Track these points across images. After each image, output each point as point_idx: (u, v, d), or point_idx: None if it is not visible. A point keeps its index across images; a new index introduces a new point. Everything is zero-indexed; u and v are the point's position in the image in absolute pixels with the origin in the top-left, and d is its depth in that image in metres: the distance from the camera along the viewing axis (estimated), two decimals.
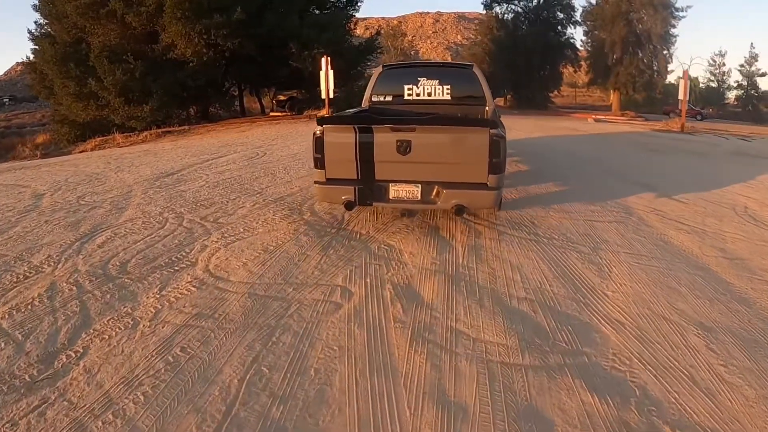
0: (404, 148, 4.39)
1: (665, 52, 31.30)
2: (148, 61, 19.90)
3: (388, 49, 62.67)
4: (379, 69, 6.73)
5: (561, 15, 34.96)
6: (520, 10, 35.38)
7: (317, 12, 22.05)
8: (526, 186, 6.96)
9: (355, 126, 4.55)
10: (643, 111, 38.25)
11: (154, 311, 3.40)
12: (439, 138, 4.43)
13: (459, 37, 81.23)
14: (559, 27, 35.17)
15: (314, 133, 4.66)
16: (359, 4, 23.77)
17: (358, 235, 4.90)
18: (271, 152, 10.42)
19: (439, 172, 4.48)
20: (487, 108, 6.24)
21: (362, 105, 6.68)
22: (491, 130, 4.34)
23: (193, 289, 3.74)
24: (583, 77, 43.29)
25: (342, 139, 4.56)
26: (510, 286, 3.70)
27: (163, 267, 4.16)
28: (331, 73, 16.17)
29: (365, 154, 4.50)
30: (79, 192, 7.17)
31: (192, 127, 19.07)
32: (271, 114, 23.21)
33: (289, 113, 21.82)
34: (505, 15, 36.00)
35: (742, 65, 51.47)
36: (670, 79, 39.66)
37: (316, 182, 4.88)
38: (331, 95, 16.40)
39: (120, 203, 6.37)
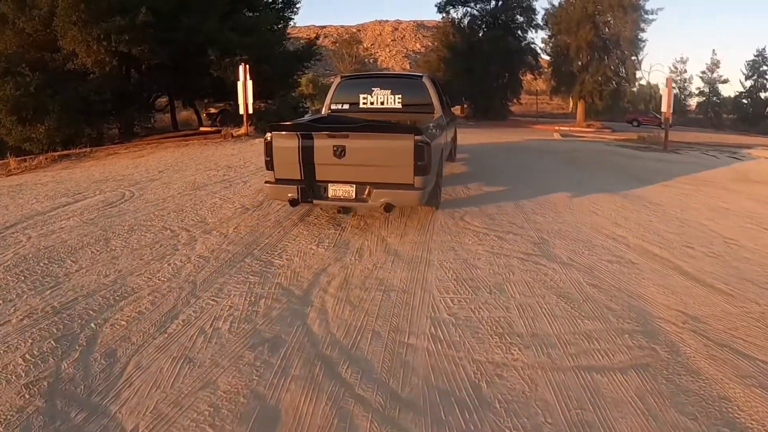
0: (339, 152, 4.80)
1: (633, 57, 29.16)
2: (48, 73, 16.85)
3: (343, 57, 60.68)
4: (338, 79, 7.27)
5: (521, 18, 32.73)
6: (476, 13, 33.04)
7: (249, 14, 19.19)
8: (468, 256, 4.34)
9: (298, 132, 4.97)
10: (603, 119, 36.62)
11: None
12: (369, 143, 4.81)
13: (418, 45, 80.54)
14: (519, 31, 32.99)
15: (265, 138, 5.11)
16: (297, 6, 21.08)
17: None
18: (142, 194, 7.70)
19: (370, 174, 4.84)
20: (434, 115, 6.55)
21: (322, 112, 7.16)
22: (416, 137, 4.68)
23: None
24: (542, 84, 41.37)
25: (287, 144, 5.00)
26: None
27: None
28: (249, 83, 13.42)
29: (307, 157, 4.92)
30: None
31: (95, 149, 15.96)
32: (201, 129, 20.49)
33: (219, 127, 19.12)
34: (462, 20, 33.70)
35: (703, 72, 51.10)
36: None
37: (266, 182, 5.25)
38: (250, 110, 13.64)
39: None
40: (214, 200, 6.92)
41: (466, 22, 33.51)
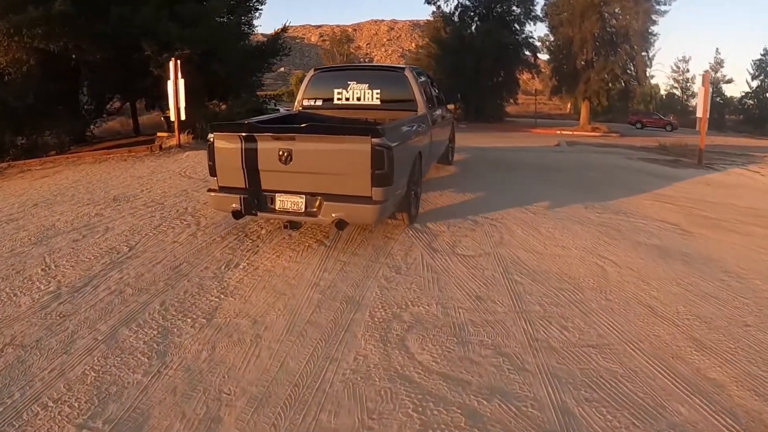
0: (286, 157, 4.16)
1: (644, 53, 26.12)
2: None
3: (334, 55, 58.47)
4: (312, 72, 6.66)
5: (518, 10, 29.92)
6: (468, 3, 30.28)
7: (204, 3, 16.52)
8: None
9: (240, 134, 4.34)
10: (603, 120, 34.14)
11: None
12: (318, 147, 4.17)
13: (413, 44, 79.20)
14: (516, 24, 30.21)
15: (207, 139, 4.59)
16: None
17: None
18: None
19: (322, 184, 4.20)
20: (417, 113, 5.83)
21: (294, 109, 6.66)
22: (373, 140, 3.97)
23: None
24: (538, 85, 38.65)
25: (229, 146, 4.41)
26: None
27: None
28: (181, 82, 10.78)
29: (251, 162, 4.32)
30: None
31: (12, 164, 13.27)
32: (159, 134, 18.02)
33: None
34: (453, 13, 30.94)
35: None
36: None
37: (209, 190, 4.67)
38: (182, 116, 10.97)
39: None
40: (39, 269, 4.39)
41: (457, 14, 30.81)
